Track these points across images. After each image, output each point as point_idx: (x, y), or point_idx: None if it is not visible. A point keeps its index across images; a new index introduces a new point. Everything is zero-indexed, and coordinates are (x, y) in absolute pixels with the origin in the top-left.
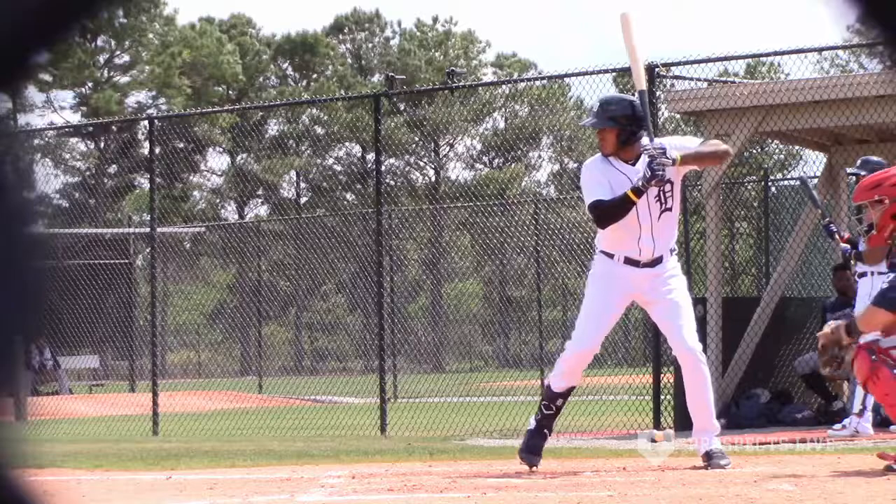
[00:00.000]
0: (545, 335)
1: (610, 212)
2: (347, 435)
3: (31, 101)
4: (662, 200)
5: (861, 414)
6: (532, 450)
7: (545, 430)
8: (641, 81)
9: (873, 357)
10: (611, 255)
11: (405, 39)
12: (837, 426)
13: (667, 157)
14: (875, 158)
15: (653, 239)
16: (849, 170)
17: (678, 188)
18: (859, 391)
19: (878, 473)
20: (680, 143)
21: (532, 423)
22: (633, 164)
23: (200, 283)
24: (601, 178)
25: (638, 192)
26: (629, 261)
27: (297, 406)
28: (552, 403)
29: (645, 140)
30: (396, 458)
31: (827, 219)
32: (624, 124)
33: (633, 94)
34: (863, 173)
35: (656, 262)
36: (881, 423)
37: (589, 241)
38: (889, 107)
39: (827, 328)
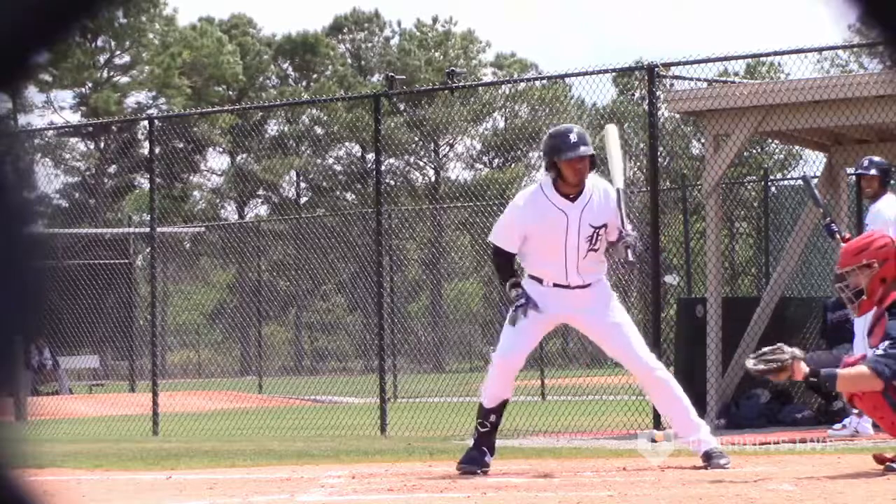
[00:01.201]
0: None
1: (495, 268)
2: (347, 435)
3: (31, 101)
4: (592, 242)
5: (861, 414)
6: (471, 462)
7: (484, 448)
8: (620, 181)
9: None
10: (540, 281)
11: (405, 39)
12: (837, 426)
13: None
14: (877, 159)
15: (578, 273)
16: (849, 170)
17: (608, 234)
18: None
19: (878, 473)
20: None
21: (471, 442)
22: (573, 200)
23: (200, 283)
24: (524, 220)
25: (513, 299)
26: (558, 285)
27: (297, 406)
28: (486, 420)
29: (626, 228)
30: (396, 458)
31: (828, 218)
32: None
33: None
34: (872, 172)
35: (586, 286)
36: None
37: None
38: (889, 107)
39: (768, 364)
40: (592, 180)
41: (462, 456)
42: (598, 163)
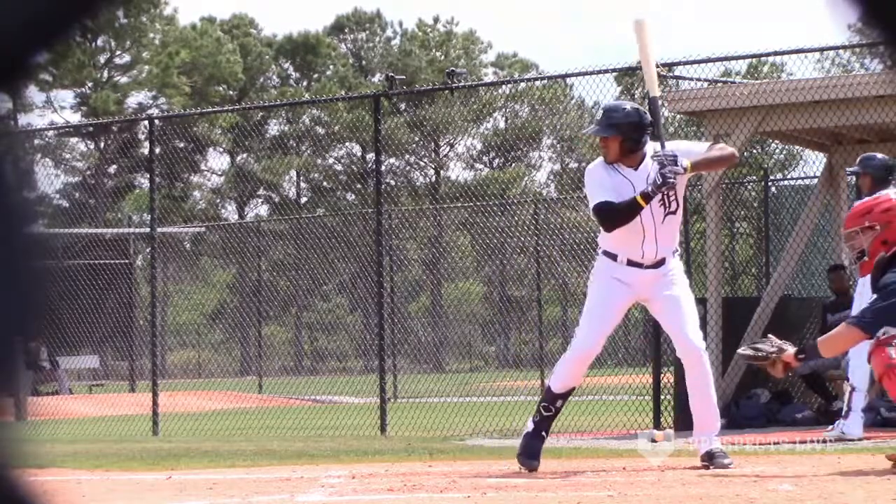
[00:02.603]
0: (545, 335)
1: (617, 215)
2: (347, 435)
3: (31, 101)
4: (666, 204)
5: (846, 416)
6: (531, 454)
7: (542, 433)
8: (654, 88)
9: (893, 354)
10: (613, 257)
11: (406, 40)
12: (830, 427)
13: (677, 165)
14: (880, 156)
15: (656, 242)
16: (849, 169)
17: (682, 191)
18: (848, 392)
19: (878, 473)
20: (687, 149)
21: (530, 426)
22: (636, 170)
23: (200, 283)
24: (607, 181)
25: (647, 197)
26: (632, 262)
27: (297, 406)
28: (551, 405)
29: (656, 146)
30: (396, 458)
31: None
32: (627, 132)
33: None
34: (862, 170)
35: (659, 263)
36: (883, 424)
37: (589, 241)
38: (889, 107)
39: (767, 359)
40: (656, 147)
41: (522, 446)
42: (632, 146)
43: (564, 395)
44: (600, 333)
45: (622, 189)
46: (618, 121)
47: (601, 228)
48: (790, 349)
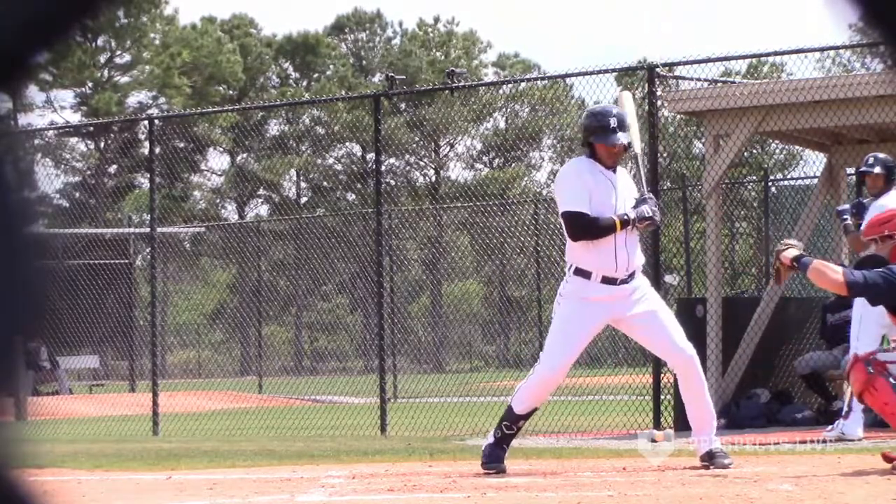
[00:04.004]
0: (545, 335)
1: (593, 230)
2: (347, 435)
3: (31, 101)
4: None
5: (847, 416)
6: (496, 459)
7: (504, 446)
8: (638, 146)
9: (870, 369)
10: (587, 275)
11: (407, 40)
12: (829, 427)
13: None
14: (882, 155)
15: (626, 250)
16: (850, 170)
17: None
18: (849, 393)
19: (878, 473)
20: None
21: (490, 439)
22: (615, 172)
23: (200, 283)
24: (586, 185)
25: (625, 223)
26: (606, 279)
27: (297, 406)
28: (514, 425)
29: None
30: (396, 458)
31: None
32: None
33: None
34: (877, 170)
35: (631, 276)
36: (883, 424)
37: None
38: (889, 107)
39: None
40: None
41: (485, 456)
42: (631, 146)
43: (526, 416)
44: (567, 361)
45: (605, 191)
46: (627, 127)
47: (569, 238)
48: (791, 252)
